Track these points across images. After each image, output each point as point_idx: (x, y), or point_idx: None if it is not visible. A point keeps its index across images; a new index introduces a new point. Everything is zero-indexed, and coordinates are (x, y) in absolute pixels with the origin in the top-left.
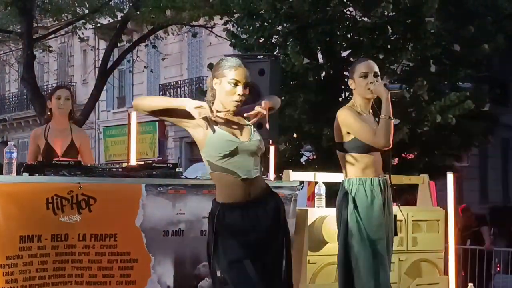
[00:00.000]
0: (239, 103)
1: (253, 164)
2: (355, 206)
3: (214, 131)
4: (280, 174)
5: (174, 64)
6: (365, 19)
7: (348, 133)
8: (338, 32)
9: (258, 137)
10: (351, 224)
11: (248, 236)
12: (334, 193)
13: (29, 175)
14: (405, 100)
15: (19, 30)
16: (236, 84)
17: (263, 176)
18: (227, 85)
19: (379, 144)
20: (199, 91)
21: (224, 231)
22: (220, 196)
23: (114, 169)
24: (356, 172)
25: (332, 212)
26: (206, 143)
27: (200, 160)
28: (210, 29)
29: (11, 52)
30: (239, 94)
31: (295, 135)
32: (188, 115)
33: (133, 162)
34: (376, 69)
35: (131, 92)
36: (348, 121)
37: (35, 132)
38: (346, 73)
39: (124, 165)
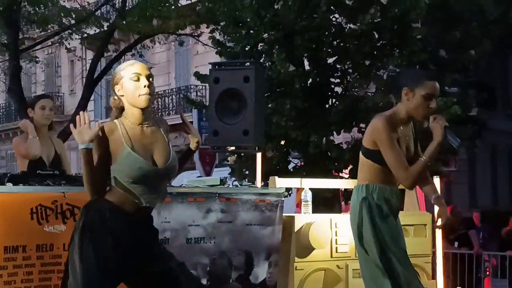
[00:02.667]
0: (149, 96)
1: (161, 190)
2: (381, 215)
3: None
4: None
5: (161, 73)
6: (352, 25)
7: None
8: (324, 39)
9: (174, 153)
10: (384, 232)
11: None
12: (321, 199)
13: (13, 185)
14: (391, 106)
15: (5, 41)
16: (138, 79)
17: (250, 183)
18: (130, 82)
19: (404, 183)
20: (186, 100)
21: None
22: (112, 198)
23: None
24: (376, 179)
25: (319, 218)
26: (117, 159)
27: (188, 168)
28: (196, 38)
29: None
30: (145, 86)
31: (282, 142)
32: (99, 153)
33: None
34: (438, 92)
35: None
36: (382, 138)
37: (17, 142)
38: (332, 79)
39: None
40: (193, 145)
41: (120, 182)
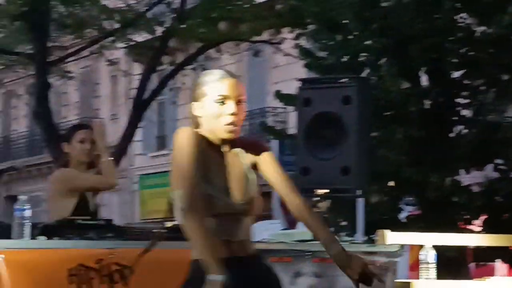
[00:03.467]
0: (233, 126)
1: (242, 226)
2: None
3: None
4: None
5: None
6: (485, 28)
7: None
8: (448, 47)
9: (255, 187)
10: None
11: None
12: (446, 260)
13: (47, 239)
14: None
15: (29, 52)
16: (223, 102)
17: (351, 238)
18: (213, 105)
19: None
20: (262, 128)
21: None
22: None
23: (155, 230)
24: None
25: (444, 285)
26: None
27: (264, 217)
28: (277, 46)
29: (19, 80)
30: (231, 114)
31: (391, 183)
32: None
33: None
34: None
35: (174, 129)
36: None
37: (64, 174)
38: (458, 100)
39: (169, 224)
40: None
41: None
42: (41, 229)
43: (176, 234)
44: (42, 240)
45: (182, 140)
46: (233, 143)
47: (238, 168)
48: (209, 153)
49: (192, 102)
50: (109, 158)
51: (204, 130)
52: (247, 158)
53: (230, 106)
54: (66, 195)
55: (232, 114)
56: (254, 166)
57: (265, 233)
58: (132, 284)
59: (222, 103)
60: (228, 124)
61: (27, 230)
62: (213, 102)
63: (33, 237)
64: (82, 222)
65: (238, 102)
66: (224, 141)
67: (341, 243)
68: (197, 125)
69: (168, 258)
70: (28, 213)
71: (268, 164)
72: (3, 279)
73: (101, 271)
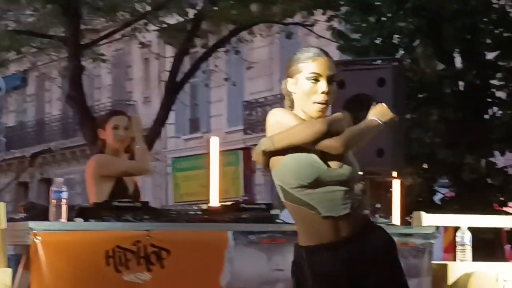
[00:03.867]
0: (323, 105)
1: (341, 198)
2: None
3: None
4: (408, 218)
5: (262, 74)
6: None
7: None
8: (483, 27)
9: (352, 160)
10: None
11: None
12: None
13: (84, 221)
14: None
15: (62, 35)
16: (316, 79)
17: (386, 220)
18: (306, 82)
19: None
20: None
21: (311, 281)
22: (302, 237)
23: (191, 212)
24: None
25: (481, 267)
26: (281, 167)
27: None
28: (309, 28)
29: (52, 63)
30: (323, 92)
31: (426, 166)
32: None
33: (215, 202)
34: None
35: (207, 112)
36: None
37: (101, 159)
38: (493, 82)
39: (204, 206)
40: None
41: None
42: (77, 211)
43: (211, 216)
44: (79, 222)
45: (280, 112)
46: None
47: None
48: None
49: (287, 78)
50: (143, 145)
51: (296, 109)
52: None
53: (322, 84)
54: (102, 180)
55: (323, 92)
56: None
57: None
58: (169, 266)
59: (315, 80)
60: (319, 103)
61: (64, 212)
62: (305, 79)
63: (69, 219)
64: (118, 204)
65: (330, 81)
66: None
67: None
68: (291, 102)
69: (203, 239)
70: (65, 195)
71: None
72: (41, 261)
73: (138, 252)
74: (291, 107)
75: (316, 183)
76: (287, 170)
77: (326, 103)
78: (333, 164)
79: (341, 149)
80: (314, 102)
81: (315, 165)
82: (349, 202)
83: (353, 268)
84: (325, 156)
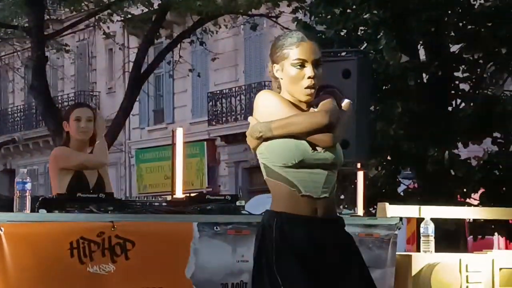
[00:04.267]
0: (311, 89)
1: (323, 181)
2: None
3: None
4: (372, 209)
5: (227, 66)
6: (483, 1)
7: None
8: (447, 20)
9: (337, 146)
10: None
11: (317, 263)
12: (441, 233)
13: (47, 212)
14: None
15: (26, 25)
16: (302, 65)
17: (351, 211)
18: (291, 68)
19: None
20: None
21: (283, 250)
22: (278, 206)
23: (156, 204)
24: None
25: (444, 258)
26: (267, 146)
27: (264, 190)
28: (274, 20)
29: (15, 54)
30: (309, 77)
31: (390, 157)
32: None
33: (179, 194)
34: None
35: (171, 103)
36: None
37: (62, 152)
38: (457, 74)
39: (169, 198)
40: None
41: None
42: (41, 202)
43: (176, 207)
44: (43, 214)
45: (268, 94)
46: (310, 104)
47: None
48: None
49: (273, 64)
50: (103, 140)
51: (283, 92)
52: None
53: (308, 69)
54: (61, 173)
55: (310, 77)
56: None
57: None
58: (133, 257)
59: (301, 66)
60: (307, 88)
61: (28, 203)
62: (291, 66)
63: (33, 210)
64: (82, 195)
65: (316, 65)
66: (302, 103)
67: (341, 216)
68: (278, 84)
69: (168, 230)
70: (28, 186)
71: None
72: (4, 252)
73: (102, 244)
74: (279, 88)
75: (300, 164)
76: (274, 150)
77: (313, 87)
78: (319, 147)
79: (331, 144)
80: (303, 88)
81: (301, 147)
82: (329, 187)
83: (323, 248)
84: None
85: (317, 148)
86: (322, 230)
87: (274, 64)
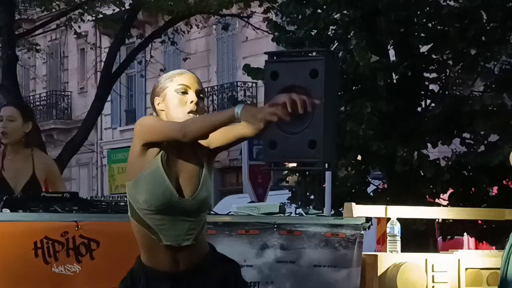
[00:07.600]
0: (194, 114)
1: (186, 228)
2: None
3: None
4: (340, 209)
5: (199, 66)
6: (452, 2)
7: None
8: (416, 20)
9: (209, 184)
10: None
11: None
12: (411, 233)
13: (11, 211)
14: (505, 109)
15: None
16: (185, 92)
17: (317, 211)
18: (174, 95)
19: None
20: (232, 101)
21: None
22: (143, 256)
23: (122, 203)
24: None
25: (410, 258)
26: (138, 176)
27: (234, 191)
28: (246, 20)
29: None
30: (192, 102)
31: (359, 157)
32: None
33: None
34: None
35: (143, 103)
36: None
37: None
38: (426, 74)
39: None
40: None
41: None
42: (5, 201)
43: None
44: (6, 213)
45: (149, 118)
46: None
47: (195, 161)
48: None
49: (155, 97)
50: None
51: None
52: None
53: (191, 95)
54: None
55: (192, 101)
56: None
57: (234, 206)
58: (98, 258)
59: (183, 93)
60: (190, 112)
61: None
62: (174, 92)
63: None
64: (47, 195)
65: (198, 96)
66: None
67: (308, 215)
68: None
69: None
70: None
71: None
72: None
73: (67, 244)
74: None
75: (165, 211)
76: (140, 191)
77: (196, 112)
78: (188, 192)
79: (185, 139)
80: (187, 113)
81: (167, 193)
82: (193, 234)
83: None
84: (180, 186)
85: (184, 192)
86: (188, 285)
87: (156, 97)
